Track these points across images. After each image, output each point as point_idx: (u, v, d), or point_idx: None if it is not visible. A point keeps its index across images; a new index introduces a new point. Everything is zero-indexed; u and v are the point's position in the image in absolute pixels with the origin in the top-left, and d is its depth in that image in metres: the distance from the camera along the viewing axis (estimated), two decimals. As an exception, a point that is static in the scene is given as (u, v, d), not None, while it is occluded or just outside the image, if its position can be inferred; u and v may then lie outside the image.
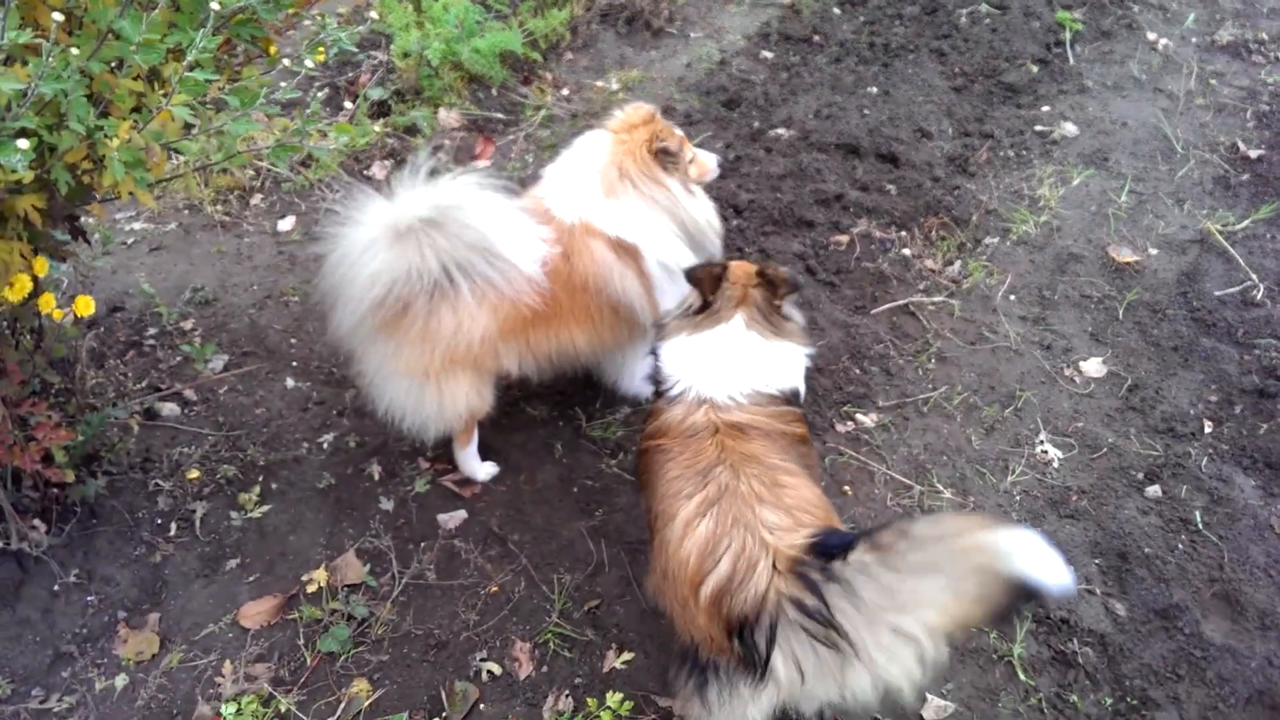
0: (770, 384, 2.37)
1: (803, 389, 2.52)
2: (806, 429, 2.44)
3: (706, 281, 2.49)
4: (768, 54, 5.29)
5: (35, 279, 2.33)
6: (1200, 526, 3.00)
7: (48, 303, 2.45)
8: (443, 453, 3.20)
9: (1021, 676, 2.62)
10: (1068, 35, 5.31)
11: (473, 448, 3.08)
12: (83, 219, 2.67)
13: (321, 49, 2.40)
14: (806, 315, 2.95)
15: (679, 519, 2.09)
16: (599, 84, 5.07)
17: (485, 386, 2.87)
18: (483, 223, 2.57)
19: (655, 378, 2.52)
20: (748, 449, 2.18)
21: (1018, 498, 3.10)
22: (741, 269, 2.53)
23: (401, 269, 2.49)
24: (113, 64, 2.08)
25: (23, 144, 1.76)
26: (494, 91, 4.90)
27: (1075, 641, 2.70)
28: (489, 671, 2.62)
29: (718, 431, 2.23)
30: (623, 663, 2.63)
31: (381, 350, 2.69)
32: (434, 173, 2.58)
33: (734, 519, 2.01)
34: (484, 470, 3.14)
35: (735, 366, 2.38)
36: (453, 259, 2.52)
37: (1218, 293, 3.81)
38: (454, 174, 2.62)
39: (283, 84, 2.42)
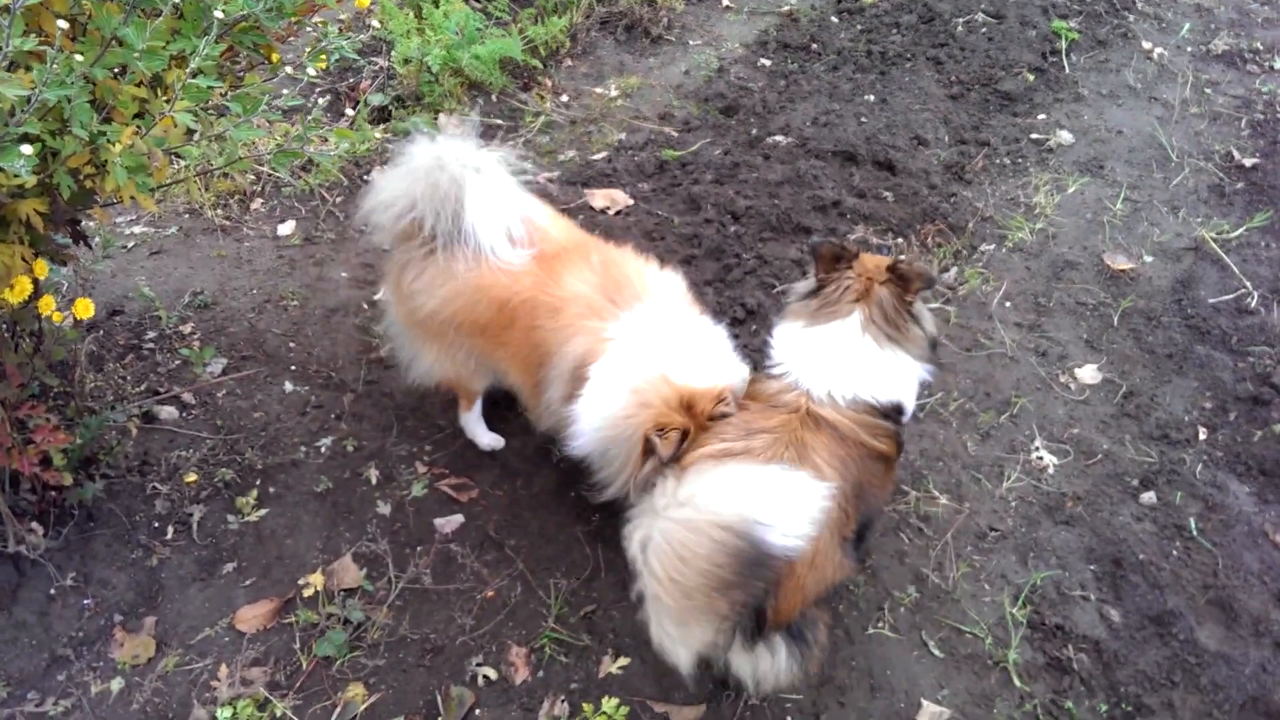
0: (872, 393, 2.31)
1: (910, 406, 2.44)
2: (894, 448, 2.38)
3: (825, 258, 2.41)
4: (766, 62, 5.32)
5: (35, 282, 2.34)
6: (1195, 533, 3.02)
7: (48, 305, 2.46)
8: (440, 457, 3.21)
9: (1017, 682, 2.63)
10: (1063, 44, 5.34)
11: (474, 413, 3.10)
12: (84, 223, 2.68)
13: (324, 56, 2.42)
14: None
15: (699, 450, 2.21)
16: (598, 91, 5.09)
17: (455, 362, 2.87)
18: (477, 196, 2.55)
19: (763, 354, 2.49)
20: (806, 435, 2.21)
21: (1013, 504, 3.11)
22: (872, 261, 2.43)
23: (405, 200, 2.58)
24: (116, 70, 2.10)
25: (27, 150, 1.78)
26: (494, 98, 4.92)
27: (1070, 648, 2.71)
28: (485, 676, 2.62)
29: (796, 413, 2.25)
30: (619, 668, 2.64)
31: (388, 284, 2.84)
32: (484, 135, 2.63)
33: None
34: (487, 438, 3.15)
35: (842, 369, 2.32)
36: (440, 215, 2.55)
37: (1212, 300, 3.84)
38: (493, 144, 2.66)
39: (285, 91, 2.44)
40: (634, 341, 2.43)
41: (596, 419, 2.44)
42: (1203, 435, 3.33)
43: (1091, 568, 2.93)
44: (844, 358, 2.34)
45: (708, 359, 2.43)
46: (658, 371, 2.35)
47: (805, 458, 2.18)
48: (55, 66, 1.83)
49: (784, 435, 2.21)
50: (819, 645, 2.31)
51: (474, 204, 2.55)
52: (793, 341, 2.42)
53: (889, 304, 2.38)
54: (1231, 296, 3.85)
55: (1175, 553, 2.96)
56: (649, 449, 2.32)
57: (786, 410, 2.28)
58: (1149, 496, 3.13)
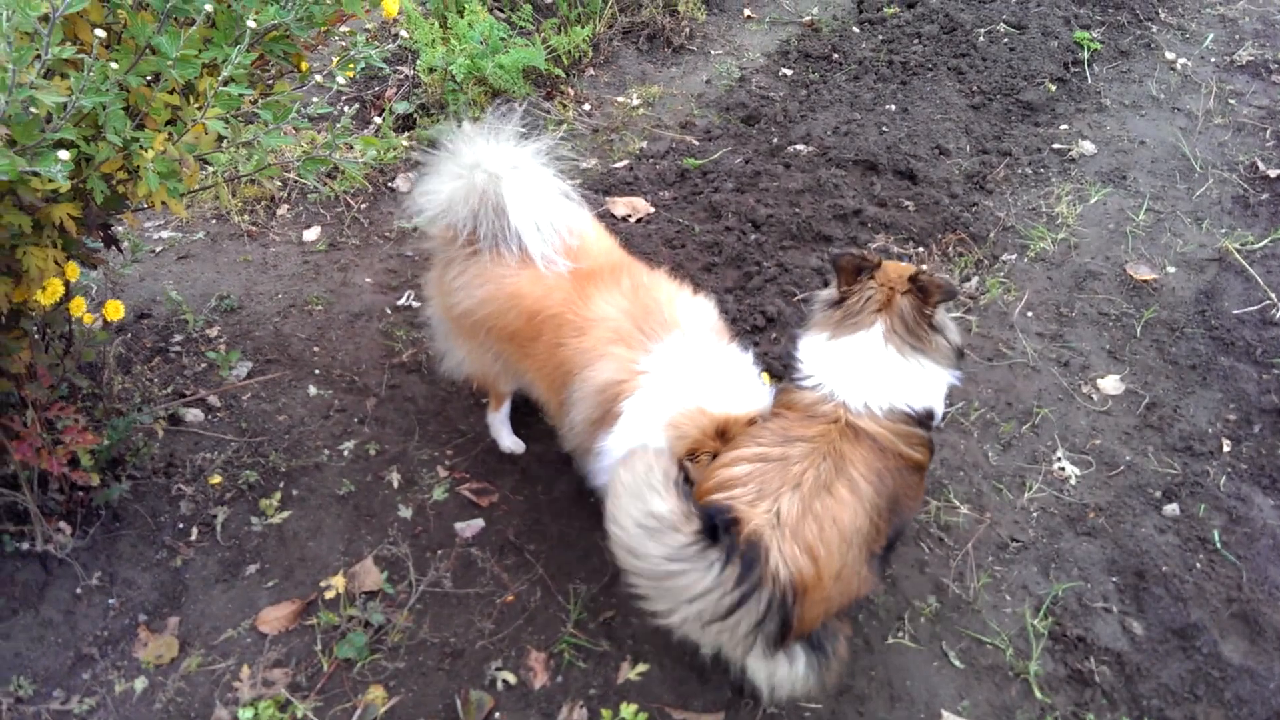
0: (906, 401, 2.32)
1: (940, 411, 2.45)
2: (928, 456, 2.39)
3: (846, 271, 2.43)
4: (787, 71, 5.33)
5: (67, 284, 2.38)
6: (1218, 546, 2.99)
7: (78, 306, 2.51)
8: (461, 461, 3.23)
9: (1038, 694, 2.61)
10: (1086, 55, 5.32)
11: (501, 414, 3.14)
12: (115, 227, 2.73)
13: (352, 65, 2.46)
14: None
15: (735, 451, 2.23)
16: (620, 99, 5.12)
17: (483, 362, 2.91)
18: (520, 197, 2.58)
19: (789, 365, 2.49)
20: (843, 449, 2.21)
21: (1035, 514, 3.10)
22: (894, 270, 2.44)
23: (443, 201, 2.64)
24: (149, 78, 2.14)
25: (63, 155, 1.82)
26: (517, 106, 4.95)
27: (1092, 660, 2.69)
28: (504, 681, 2.63)
29: (836, 422, 2.26)
30: (637, 674, 2.64)
31: (431, 276, 2.93)
32: (523, 135, 2.70)
33: (762, 482, 2.12)
34: (509, 440, 3.18)
35: (873, 380, 2.33)
36: (481, 216, 2.59)
37: (1236, 311, 3.80)
38: (532, 139, 2.71)
39: (314, 99, 2.47)
40: (666, 376, 2.43)
41: None
42: (1227, 447, 3.30)
43: (1114, 579, 2.91)
44: (872, 368, 2.35)
45: (737, 387, 2.43)
46: (692, 404, 2.36)
47: (842, 470, 2.18)
48: (91, 74, 1.87)
49: (822, 445, 2.21)
50: (838, 657, 2.31)
51: (517, 204, 2.58)
52: (820, 353, 2.42)
53: (910, 315, 2.38)
54: (1256, 308, 3.81)
55: (1199, 565, 2.94)
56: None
57: (825, 420, 2.28)
58: (1172, 508, 3.10)
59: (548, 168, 2.70)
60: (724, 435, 2.34)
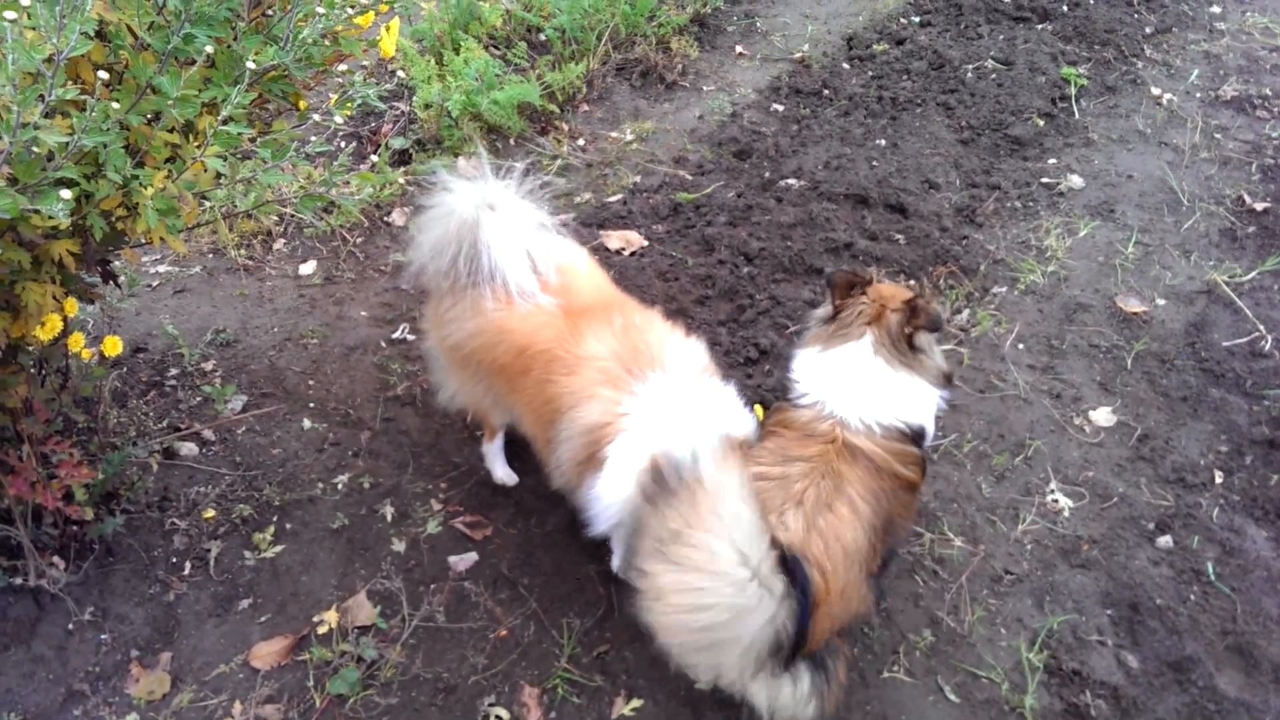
0: (898, 416, 2.35)
1: (930, 430, 2.48)
2: (921, 476, 2.41)
3: (839, 286, 2.46)
4: (778, 107, 5.41)
5: (65, 319, 2.40)
6: (1212, 578, 2.99)
7: (77, 342, 2.52)
8: (455, 494, 3.23)
9: (1033, 728, 2.60)
10: (1073, 90, 5.41)
11: (495, 445, 3.15)
12: (113, 262, 2.75)
13: (350, 104, 2.50)
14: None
15: None
16: (613, 135, 5.18)
17: (475, 395, 2.93)
18: (494, 233, 2.61)
19: (785, 384, 2.51)
20: (843, 468, 2.22)
21: (1028, 547, 3.10)
22: (888, 290, 2.48)
23: (428, 250, 2.69)
24: (150, 116, 2.18)
25: (66, 194, 1.84)
26: (512, 141, 5.02)
27: (1087, 693, 2.68)
28: (497, 717, 2.62)
29: (833, 443, 2.27)
30: (632, 709, 2.63)
31: (429, 308, 2.99)
32: (526, 172, 2.77)
33: (764, 499, 2.10)
34: (500, 472, 3.19)
35: (865, 393, 2.35)
36: (460, 258, 2.63)
37: (1226, 343, 3.84)
38: (522, 180, 2.75)
39: (313, 138, 2.51)
40: (649, 417, 2.42)
41: (617, 500, 2.44)
42: (1219, 479, 3.32)
43: (1108, 612, 2.90)
44: (863, 380, 2.38)
45: (721, 421, 2.43)
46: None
47: (841, 491, 2.20)
48: (93, 114, 1.90)
49: (820, 465, 2.23)
50: (838, 678, 2.30)
51: (492, 242, 2.61)
52: (812, 367, 2.45)
53: (895, 330, 2.41)
54: (1245, 340, 3.85)
55: (1193, 598, 2.94)
56: None
57: (822, 440, 2.29)
58: (1165, 540, 3.11)
59: (528, 204, 2.73)
60: None
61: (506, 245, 2.62)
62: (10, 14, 1.69)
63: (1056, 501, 3.24)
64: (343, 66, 2.60)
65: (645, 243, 4.35)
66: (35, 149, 1.93)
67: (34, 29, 1.82)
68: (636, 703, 2.64)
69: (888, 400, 2.36)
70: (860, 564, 2.18)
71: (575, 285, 2.74)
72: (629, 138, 5.16)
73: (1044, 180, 4.81)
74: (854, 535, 2.16)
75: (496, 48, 5.46)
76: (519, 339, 2.64)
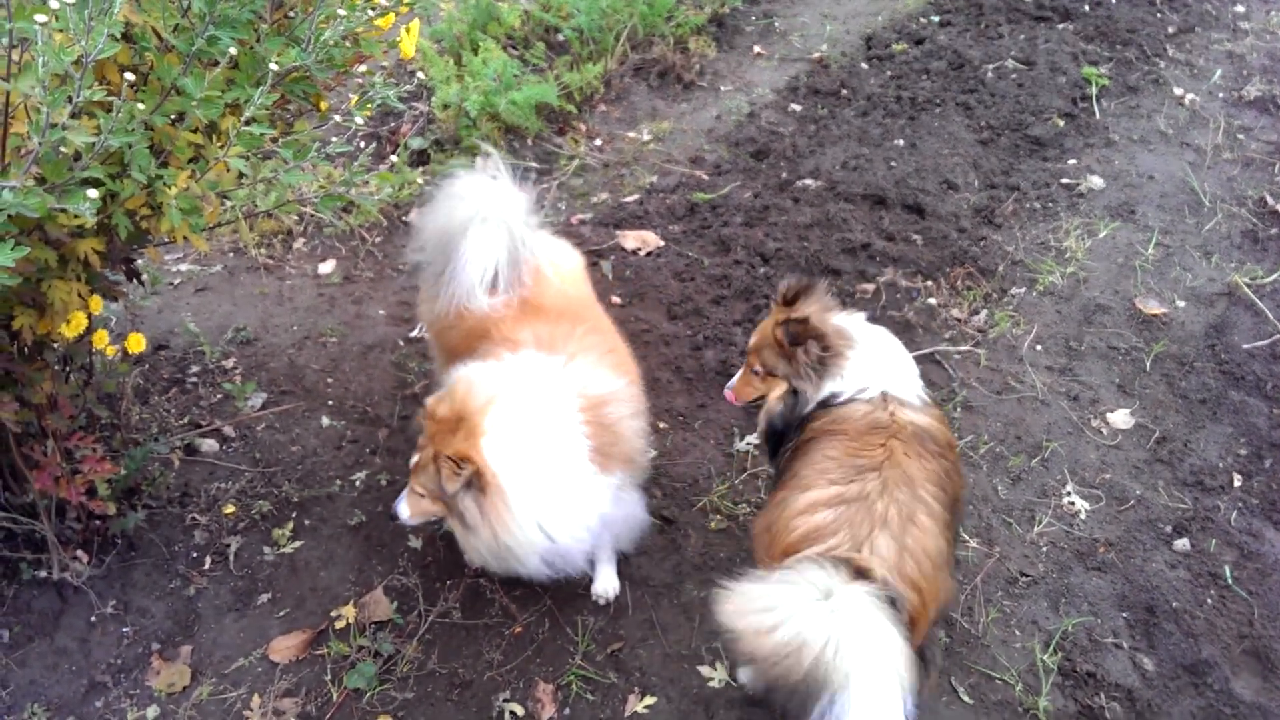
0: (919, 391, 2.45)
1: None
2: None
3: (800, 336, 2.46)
4: (796, 107, 5.41)
5: (89, 317, 2.44)
6: (1230, 581, 2.97)
7: (101, 339, 2.57)
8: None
9: (1047, 731, 2.60)
10: (1094, 90, 5.37)
11: None
12: (137, 261, 2.79)
13: (370, 105, 2.52)
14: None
15: (809, 494, 2.21)
16: (631, 135, 5.20)
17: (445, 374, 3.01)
18: (474, 243, 2.68)
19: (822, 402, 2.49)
20: (910, 470, 2.23)
21: (1044, 549, 3.09)
22: (780, 313, 2.52)
23: (430, 233, 2.82)
24: (174, 117, 2.21)
25: (92, 194, 1.88)
26: (529, 141, 5.05)
27: (1102, 696, 2.67)
28: (512, 712, 2.64)
29: (894, 435, 2.28)
30: (645, 707, 2.64)
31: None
32: (536, 176, 2.85)
33: (852, 526, 2.11)
34: None
35: (894, 364, 2.46)
36: (446, 245, 2.72)
37: (1246, 346, 3.80)
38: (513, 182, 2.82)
39: (333, 138, 2.54)
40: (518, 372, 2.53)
41: None
42: (1238, 482, 3.29)
43: (1124, 615, 2.89)
44: (889, 352, 2.49)
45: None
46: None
47: (917, 498, 2.20)
48: (119, 115, 1.94)
49: (891, 472, 2.21)
50: (936, 665, 2.33)
51: (468, 251, 2.68)
52: (853, 367, 2.46)
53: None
54: (1266, 342, 3.81)
55: (1210, 601, 2.92)
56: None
57: (884, 434, 2.29)
58: (1183, 543, 3.09)
59: (524, 213, 2.79)
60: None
61: (479, 261, 2.70)
62: (41, 17, 1.72)
63: (1073, 503, 3.23)
64: (363, 67, 2.62)
65: (662, 243, 4.36)
66: (63, 149, 1.96)
67: (62, 31, 1.85)
68: (650, 700, 2.65)
69: (910, 370, 2.47)
70: (946, 565, 2.20)
71: (543, 288, 2.82)
72: (646, 138, 5.17)
73: (1064, 181, 4.78)
74: (937, 543, 2.17)
75: (515, 48, 5.48)
76: (471, 324, 2.76)
